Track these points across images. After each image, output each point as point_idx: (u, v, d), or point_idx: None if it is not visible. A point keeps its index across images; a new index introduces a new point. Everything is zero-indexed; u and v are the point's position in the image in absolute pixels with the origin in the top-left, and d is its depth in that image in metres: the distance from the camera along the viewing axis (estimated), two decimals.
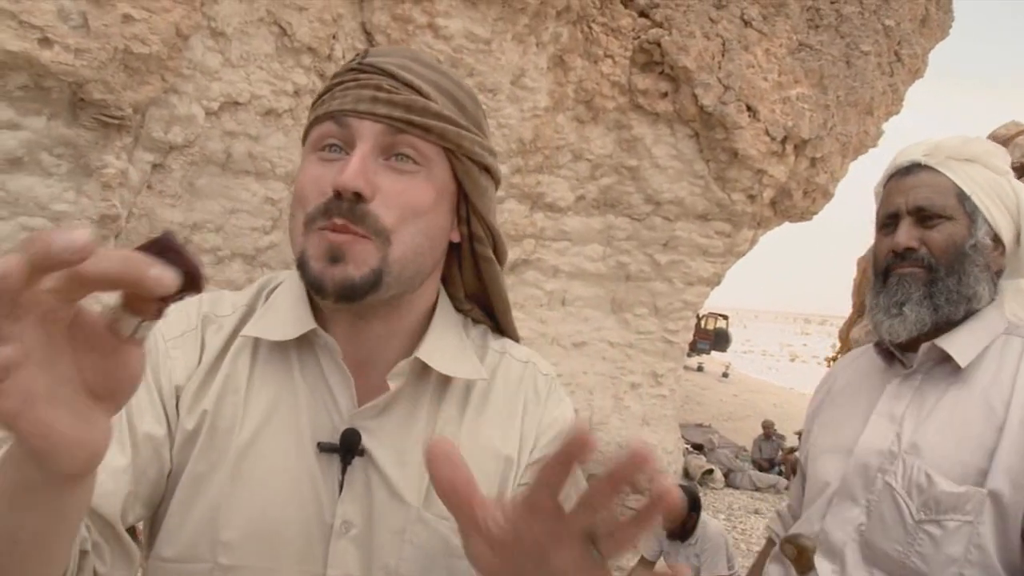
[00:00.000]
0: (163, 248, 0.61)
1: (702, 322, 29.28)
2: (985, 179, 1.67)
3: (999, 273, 1.74)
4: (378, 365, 1.11)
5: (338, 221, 0.98)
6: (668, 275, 9.67)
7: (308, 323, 1.07)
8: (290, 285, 1.14)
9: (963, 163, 1.68)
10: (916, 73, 10.95)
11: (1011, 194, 1.68)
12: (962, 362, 1.63)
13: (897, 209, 1.74)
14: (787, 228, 11.22)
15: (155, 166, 6.35)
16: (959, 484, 1.51)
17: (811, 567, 1.66)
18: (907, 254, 1.71)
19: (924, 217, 1.70)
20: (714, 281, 10.05)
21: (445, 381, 1.14)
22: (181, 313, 1.11)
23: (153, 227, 6.46)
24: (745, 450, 13.40)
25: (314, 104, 1.08)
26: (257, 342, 1.09)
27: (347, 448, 1.03)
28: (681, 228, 9.45)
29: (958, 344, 1.65)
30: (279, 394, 1.06)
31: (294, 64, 7.06)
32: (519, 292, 9.16)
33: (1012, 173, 1.74)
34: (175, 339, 1.09)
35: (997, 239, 1.69)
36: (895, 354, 1.80)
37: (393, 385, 1.07)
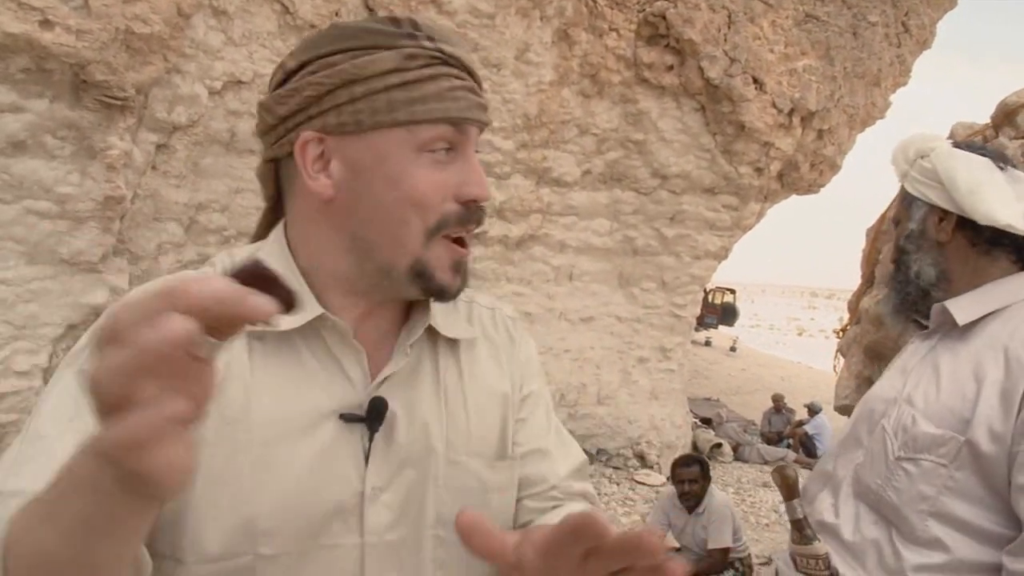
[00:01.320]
0: (255, 276, 0.64)
1: (709, 296, 29.18)
2: (920, 169, 1.87)
3: (977, 241, 1.84)
4: (381, 335, 1.14)
5: (472, 228, 1.06)
6: (675, 249, 9.64)
7: (315, 309, 1.06)
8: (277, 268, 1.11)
9: (912, 166, 1.91)
10: (924, 44, 10.86)
11: (930, 166, 1.85)
12: (960, 320, 1.76)
13: None
14: (794, 201, 11.20)
15: (159, 147, 6.33)
16: (938, 427, 1.65)
17: (795, 494, 1.83)
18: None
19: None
20: (721, 255, 10.02)
21: (435, 335, 1.17)
22: None
23: (158, 208, 6.45)
24: (754, 424, 13.41)
25: (384, 88, 1.02)
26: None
27: (373, 417, 1.06)
28: (688, 202, 9.41)
29: (961, 306, 1.79)
30: (287, 376, 1.05)
31: (297, 42, 7.02)
32: (526, 268, 9.14)
33: (938, 147, 1.87)
34: None
35: (945, 211, 1.84)
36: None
37: (407, 355, 1.12)
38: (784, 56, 9.01)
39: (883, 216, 3.23)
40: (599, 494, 8.52)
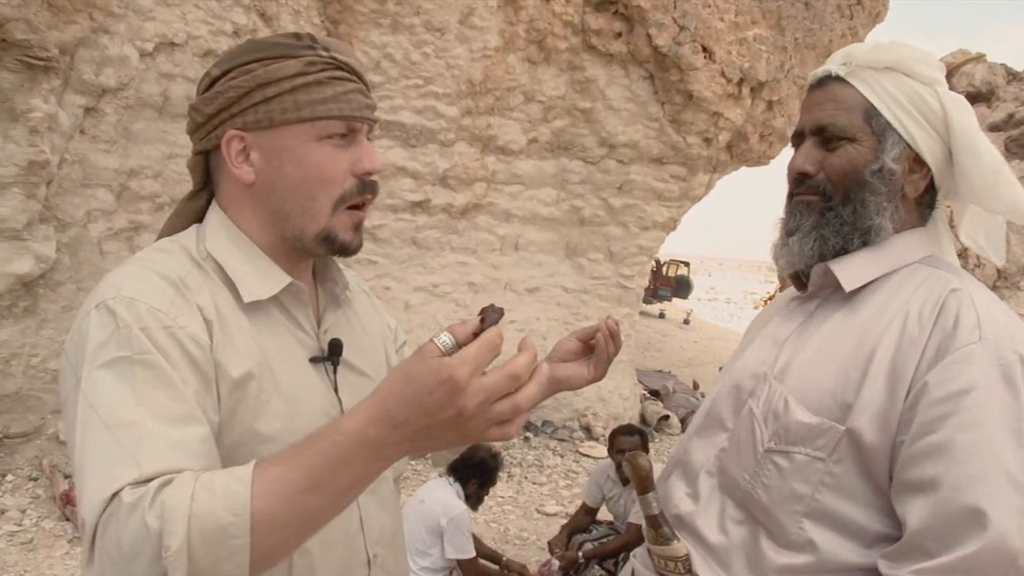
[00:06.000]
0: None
1: (664, 269, 29.20)
2: (904, 91, 1.49)
3: (924, 198, 1.56)
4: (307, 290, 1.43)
5: (369, 196, 1.35)
6: (623, 219, 9.58)
7: (284, 277, 1.33)
8: (235, 252, 1.33)
9: (880, 73, 1.50)
10: (876, 17, 10.85)
11: (937, 108, 1.48)
12: (847, 286, 1.50)
13: (802, 128, 1.59)
14: (754, 175, 11.19)
15: (87, 110, 6.13)
16: (815, 415, 1.41)
17: (650, 487, 1.59)
18: (803, 179, 1.56)
19: (826, 138, 1.54)
20: (669, 226, 9.98)
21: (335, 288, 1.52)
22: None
23: (87, 174, 6.26)
24: (702, 393, 13.46)
25: (290, 90, 1.27)
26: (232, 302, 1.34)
27: (333, 353, 1.38)
28: (636, 172, 9.34)
29: (850, 268, 1.51)
30: (275, 331, 1.33)
31: (233, 3, 6.83)
32: (471, 237, 9.04)
33: (943, 83, 1.52)
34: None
35: (918, 160, 1.51)
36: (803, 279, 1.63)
37: (340, 305, 1.48)
38: (734, 25, 8.95)
39: None
40: (543, 466, 8.50)
